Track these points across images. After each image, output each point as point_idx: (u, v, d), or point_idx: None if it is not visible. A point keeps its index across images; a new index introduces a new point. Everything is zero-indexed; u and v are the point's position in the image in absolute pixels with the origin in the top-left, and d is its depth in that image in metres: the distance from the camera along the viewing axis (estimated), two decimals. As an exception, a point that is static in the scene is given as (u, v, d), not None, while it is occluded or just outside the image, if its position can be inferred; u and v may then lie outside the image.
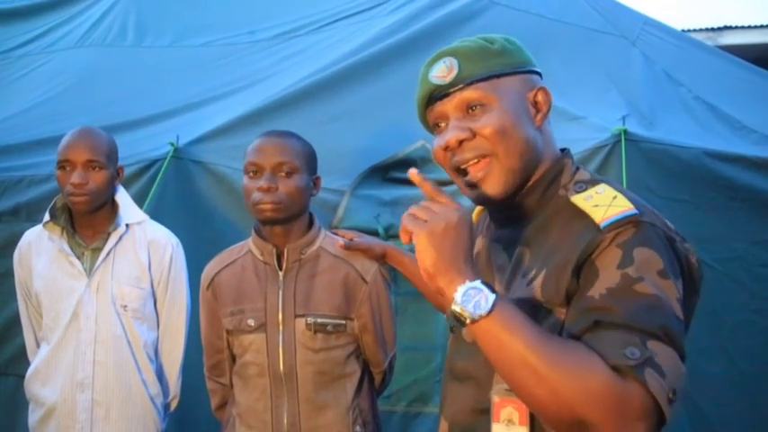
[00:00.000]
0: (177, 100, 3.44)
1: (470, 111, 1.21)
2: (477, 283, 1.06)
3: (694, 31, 7.49)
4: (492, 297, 1.04)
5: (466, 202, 2.59)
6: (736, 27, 7.69)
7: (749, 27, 7.68)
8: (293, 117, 2.97)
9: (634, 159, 2.54)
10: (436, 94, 1.23)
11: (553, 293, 1.13)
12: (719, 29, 7.65)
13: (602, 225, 1.10)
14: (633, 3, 4.10)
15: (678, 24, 5.87)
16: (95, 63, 3.96)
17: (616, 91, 3.08)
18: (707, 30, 7.63)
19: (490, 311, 1.03)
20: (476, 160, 1.21)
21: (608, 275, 1.07)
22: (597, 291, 1.07)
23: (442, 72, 1.22)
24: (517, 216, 1.26)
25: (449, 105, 1.23)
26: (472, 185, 1.22)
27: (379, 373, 2.00)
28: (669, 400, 1.00)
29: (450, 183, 2.70)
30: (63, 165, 2.13)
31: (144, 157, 2.90)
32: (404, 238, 1.12)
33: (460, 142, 1.20)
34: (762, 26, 7.66)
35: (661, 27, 3.78)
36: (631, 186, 2.43)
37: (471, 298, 1.04)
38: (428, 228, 1.09)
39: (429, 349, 2.69)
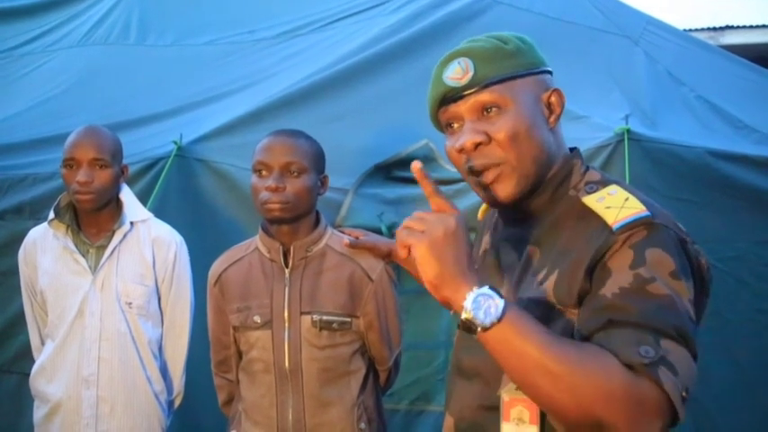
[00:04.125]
0: (180, 98, 3.45)
1: (485, 113, 1.20)
2: (486, 289, 1.04)
3: (696, 30, 7.50)
4: (501, 303, 1.03)
5: (472, 199, 2.57)
6: (738, 27, 7.70)
7: (751, 27, 7.69)
8: (296, 116, 2.98)
9: (637, 159, 2.54)
10: (450, 96, 1.22)
11: (566, 295, 1.13)
12: (721, 28, 7.66)
13: (614, 227, 1.10)
14: (635, 2, 4.11)
15: (680, 24, 5.87)
16: (98, 62, 3.97)
17: (618, 90, 3.08)
18: (709, 29, 7.64)
19: (501, 318, 1.02)
20: (490, 165, 1.20)
21: (620, 275, 1.07)
22: (609, 290, 1.07)
23: (457, 74, 1.21)
24: (527, 215, 1.26)
25: (463, 107, 1.21)
26: (485, 188, 1.22)
27: (385, 370, 2.00)
28: (682, 398, 1.01)
29: (453, 182, 2.73)
30: (69, 163, 2.14)
31: (147, 155, 2.91)
32: (402, 252, 1.09)
33: (476, 146, 1.20)
34: (764, 26, 7.67)
35: (663, 26, 3.78)
36: (634, 186, 2.42)
37: (481, 305, 1.02)
38: (427, 238, 1.05)
39: (432, 347, 2.70)
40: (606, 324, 1.05)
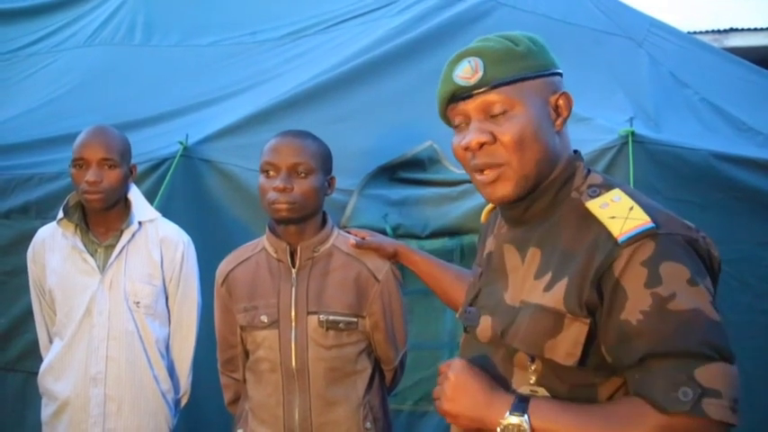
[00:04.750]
0: (185, 99, 3.46)
1: (492, 114, 1.22)
2: (507, 417, 1.13)
3: (700, 33, 7.51)
4: (525, 421, 1.11)
5: (476, 201, 2.57)
6: (742, 29, 7.70)
7: (755, 29, 7.69)
8: (301, 116, 2.99)
9: (641, 161, 2.55)
10: (459, 94, 1.24)
11: (575, 305, 1.14)
12: (725, 31, 7.67)
13: (620, 240, 1.11)
14: (639, 4, 4.12)
15: (684, 26, 5.88)
16: (103, 62, 3.99)
17: (622, 92, 3.09)
18: (713, 32, 7.65)
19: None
20: (492, 165, 1.22)
21: (638, 297, 1.09)
22: (632, 315, 1.09)
23: (467, 73, 1.22)
24: (528, 217, 1.27)
25: (471, 106, 1.23)
26: (485, 186, 1.24)
27: (390, 370, 2.02)
28: (733, 410, 1.04)
29: (458, 183, 2.74)
30: (78, 163, 2.15)
31: (153, 155, 2.93)
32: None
33: (481, 145, 1.22)
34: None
35: (667, 29, 3.79)
36: (638, 188, 2.41)
37: None
38: (442, 402, 1.21)
39: (435, 348, 2.70)
40: (639, 364, 1.09)
